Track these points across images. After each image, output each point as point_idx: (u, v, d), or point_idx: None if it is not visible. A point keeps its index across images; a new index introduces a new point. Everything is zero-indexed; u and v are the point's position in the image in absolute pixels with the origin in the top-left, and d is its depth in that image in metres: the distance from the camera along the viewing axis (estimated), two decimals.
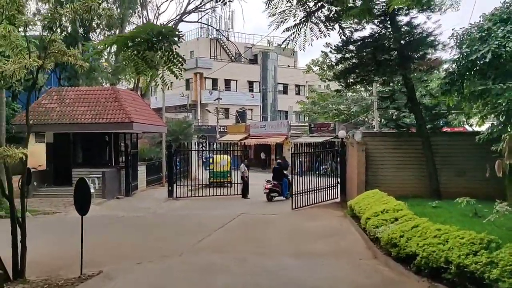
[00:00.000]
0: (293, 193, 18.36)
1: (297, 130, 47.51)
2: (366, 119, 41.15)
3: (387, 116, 39.45)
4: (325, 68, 42.94)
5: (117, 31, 35.47)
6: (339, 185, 20.37)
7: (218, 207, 19.16)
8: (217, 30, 55.72)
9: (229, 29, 62.81)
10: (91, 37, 35.08)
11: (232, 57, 62.72)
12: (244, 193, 21.75)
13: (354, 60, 16.72)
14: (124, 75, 34.55)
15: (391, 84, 17.03)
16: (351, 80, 17.12)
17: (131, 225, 14.97)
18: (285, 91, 64.00)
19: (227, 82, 59.05)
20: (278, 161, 22.62)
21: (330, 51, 16.75)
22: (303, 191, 18.77)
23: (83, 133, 22.44)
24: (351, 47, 16.29)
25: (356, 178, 17.30)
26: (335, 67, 18.74)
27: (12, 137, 27.61)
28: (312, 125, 41.96)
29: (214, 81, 58.04)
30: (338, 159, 20.57)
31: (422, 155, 17.26)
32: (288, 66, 65.31)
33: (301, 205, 18.53)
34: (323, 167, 22.33)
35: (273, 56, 61.96)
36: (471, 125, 32.53)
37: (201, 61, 57.36)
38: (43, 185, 22.00)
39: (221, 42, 62.17)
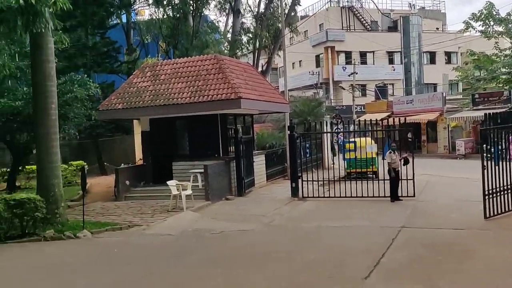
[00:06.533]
0: (487, 191, 11.32)
1: (452, 104, 38.67)
2: None
3: None
4: (491, 23, 33.58)
5: None
6: None
7: (362, 215, 12.89)
8: None
9: None
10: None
11: (368, 26, 54.89)
12: (394, 193, 14.94)
13: None
14: (241, 48, 29.62)
15: None
16: None
17: (220, 256, 9.26)
18: (432, 61, 54.31)
19: (363, 55, 51.41)
20: None
21: None
22: (505, 187, 11.62)
23: (182, 117, 17.64)
24: None
25: None
26: None
27: (98, 125, 24.11)
28: (476, 96, 32.98)
29: (348, 55, 50.90)
30: None
31: None
32: (437, 29, 55.31)
33: (501, 211, 11.44)
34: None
35: (416, 20, 52.66)
36: None
37: (332, 33, 50.57)
38: (139, 184, 17.70)
39: (354, 10, 54.67)
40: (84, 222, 11.64)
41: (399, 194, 14.85)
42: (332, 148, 25.67)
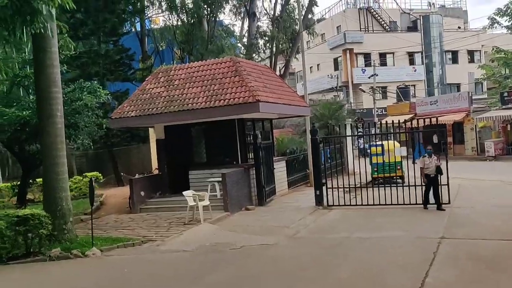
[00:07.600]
0: None
1: (477, 104, 37.12)
2: None
3: None
4: None
5: None
6: None
7: (394, 224, 11.82)
8: None
9: None
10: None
11: (387, 27, 53.61)
12: (428, 199, 13.59)
13: None
14: (258, 52, 28.73)
15: None
16: None
17: (242, 276, 8.27)
18: (454, 60, 52.67)
19: (382, 56, 50.02)
20: None
21: None
22: None
23: (198, 123, 16.79)
24: None
25: None
26: None
27: (113, 134, 23.37)
28: (505, 94, 31.47)
29: (367, 57, 49.59)
30: None
31: None
32: (458, 27, 53.68)
33: None
34: None
35: (437, 19, 51.17)
36: None
37: (350, 35, 49.36)
38: (155, 195, 16.87)
39: (372, 11, 53.44)
40: (93, 238, 10.77)
41: (440, 202, 13.48)
42: (365, 153, 24.35)
